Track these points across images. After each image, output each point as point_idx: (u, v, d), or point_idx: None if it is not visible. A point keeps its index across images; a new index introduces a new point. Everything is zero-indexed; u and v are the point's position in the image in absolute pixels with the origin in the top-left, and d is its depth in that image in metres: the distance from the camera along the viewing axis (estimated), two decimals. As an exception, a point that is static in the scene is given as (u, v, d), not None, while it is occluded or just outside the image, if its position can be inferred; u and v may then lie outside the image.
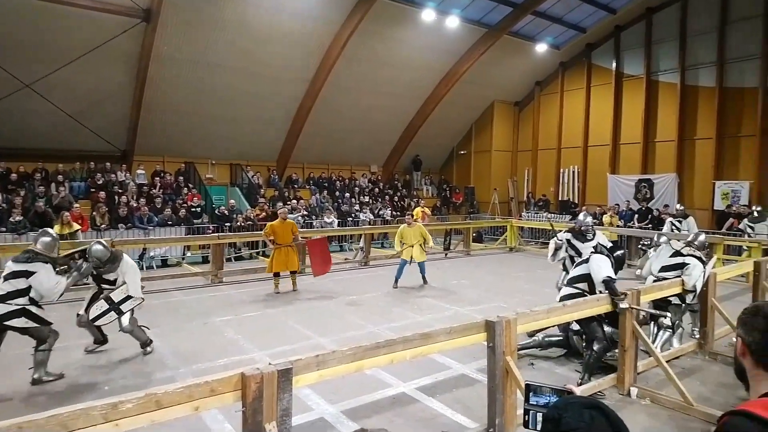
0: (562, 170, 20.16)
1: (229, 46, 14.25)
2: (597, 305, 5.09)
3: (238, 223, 13.78)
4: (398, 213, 18.21)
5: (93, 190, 13.70)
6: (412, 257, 10.14)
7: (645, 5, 17.10)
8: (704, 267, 6.07)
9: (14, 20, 11.63)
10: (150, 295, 8.17)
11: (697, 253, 6.16)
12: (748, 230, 12.23)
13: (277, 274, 9.55)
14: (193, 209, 14.29)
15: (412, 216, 11.56)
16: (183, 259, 12.90)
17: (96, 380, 5.34)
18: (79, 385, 5.23)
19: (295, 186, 18.25)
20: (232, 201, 15.49)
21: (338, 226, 15.14)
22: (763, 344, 1.35)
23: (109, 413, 2.39)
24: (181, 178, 15.83)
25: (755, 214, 12.50)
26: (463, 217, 19.89)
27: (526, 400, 1.51)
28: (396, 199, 19.78)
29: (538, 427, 1.43)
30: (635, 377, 5.15)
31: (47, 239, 5.46)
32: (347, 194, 18.43)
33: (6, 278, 5.08)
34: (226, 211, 14.41)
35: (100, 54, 12.68)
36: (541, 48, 18.60)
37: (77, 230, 10.90)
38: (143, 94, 14.15)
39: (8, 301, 4.99)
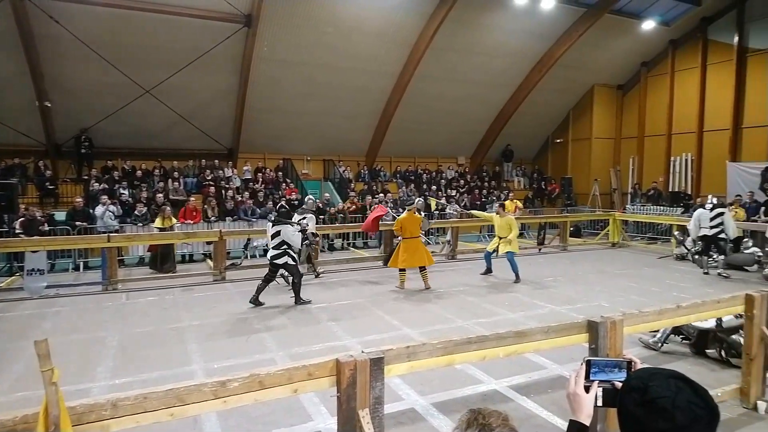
0: (673, 158, 18.41)
1: (320, 43, 14.76)
2: (717, 307, 4.58)
3: (332, 216, 14.35)
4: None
5: (204, 185, 14.95)
6: (497, 249, 10.07)
7: (777, -32, 15.02)
8: None
9: (134, 32, 12.96)
10: (253, 282, 8.75)
11: None
12: None
13: (403, 270, 9.24)
14: (291, 203, 15.05)
15: (503, 207, 11.12)
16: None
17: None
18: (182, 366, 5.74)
19: (382, 179, 18.52)
20: (327, 194, 16.16)
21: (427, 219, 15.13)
22: None
23: (219, 390, 2.58)
24: (280, 173, 16.76)
25: None
26: (558, 209, 18.93)
27: (587, 377, 1.44)
28: (484, 191, 19.29)
29: (599, 402, 1.40)
30: (764, 389, 4.57)
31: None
32: (434, 187, 18.33)
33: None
34: (320, 204, 15.04)
35: (208, 59, 13.76)
36: (648, 25, 17.05)
37: (175, 224, 11.53)
38: (246, 95, 15.16)
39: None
